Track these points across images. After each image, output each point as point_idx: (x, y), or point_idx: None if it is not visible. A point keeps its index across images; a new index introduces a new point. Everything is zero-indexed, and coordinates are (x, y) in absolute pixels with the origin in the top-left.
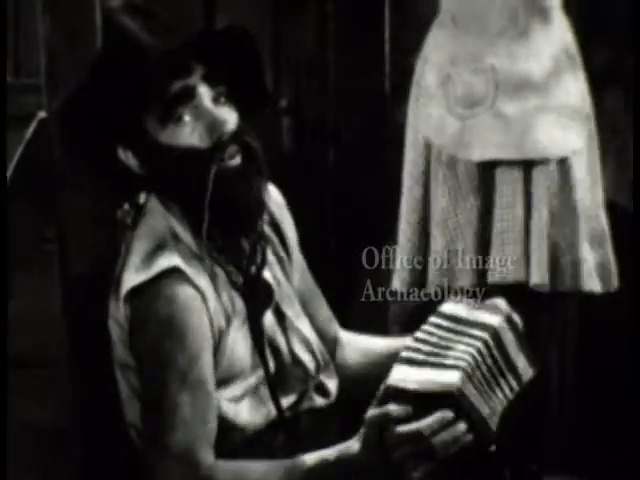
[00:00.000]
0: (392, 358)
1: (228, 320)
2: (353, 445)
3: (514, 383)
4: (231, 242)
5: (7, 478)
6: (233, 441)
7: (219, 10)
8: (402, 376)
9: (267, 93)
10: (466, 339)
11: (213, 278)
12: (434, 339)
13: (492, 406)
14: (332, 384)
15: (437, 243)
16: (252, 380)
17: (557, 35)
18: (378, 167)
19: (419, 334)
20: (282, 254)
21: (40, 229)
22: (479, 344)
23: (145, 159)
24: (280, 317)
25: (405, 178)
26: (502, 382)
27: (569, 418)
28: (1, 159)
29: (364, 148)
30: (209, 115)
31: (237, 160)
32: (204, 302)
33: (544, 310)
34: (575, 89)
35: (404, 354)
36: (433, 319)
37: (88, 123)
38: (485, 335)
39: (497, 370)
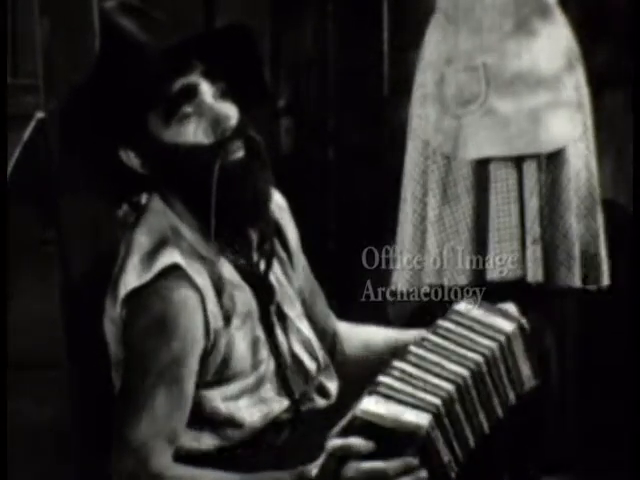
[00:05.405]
0: (392, 349)
1: (228, 319)
2: (311, 470)
3: (514, 391)
4: (239, 235)
5: (7, 479)
6: (232, 439)
7: (219, 10)
8: (371, 407)
9: (266, 90)
10: (477, 345)
11: (214, 277)
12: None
13: (457, 451)
14: (332, 385)
15: (433, 242)
16: (251, 380)
17: (555, 31)
18: (377, 167)
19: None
20: (283, 255)
21: (39, 231)
22: (490, 349)
23: (148, 158)
24: (281, 318)
25: (405, 177)
26: (495, 399)
27: (568, 420)
28: (2, 161)
29: (363, 148)
30: (212, 111)
31: (240, 153)
32: (201, 302)
33: (543, 306)
34: (572, 83)
35: (381, 383)
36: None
37: (89, 124)
38: (500, 338)
39: (496, 384)
